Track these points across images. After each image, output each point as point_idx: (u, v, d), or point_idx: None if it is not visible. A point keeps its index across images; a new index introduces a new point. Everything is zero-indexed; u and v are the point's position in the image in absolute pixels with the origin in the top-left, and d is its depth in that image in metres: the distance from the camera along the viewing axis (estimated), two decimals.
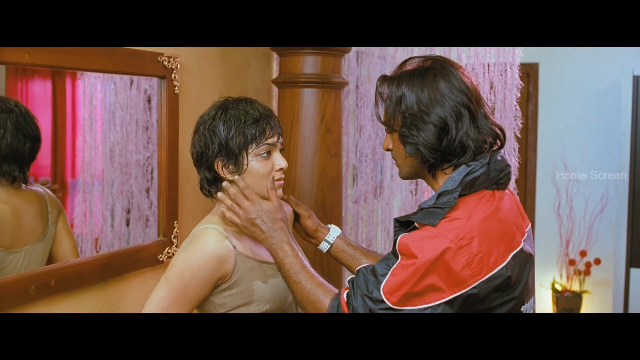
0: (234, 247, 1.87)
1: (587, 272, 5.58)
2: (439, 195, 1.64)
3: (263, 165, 1.89)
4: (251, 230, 1.87)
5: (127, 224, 2.45)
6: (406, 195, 3.09)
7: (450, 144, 1.65)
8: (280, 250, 1.84)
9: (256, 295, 1.88)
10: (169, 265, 1.85)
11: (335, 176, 2.67)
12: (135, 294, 2.31)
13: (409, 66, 1.74)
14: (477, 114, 1.67)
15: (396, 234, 1.72)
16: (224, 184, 1.88)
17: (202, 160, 1.91)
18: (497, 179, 1.66)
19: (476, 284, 1.52)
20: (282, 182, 1.95)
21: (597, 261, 5.55)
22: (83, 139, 2.30)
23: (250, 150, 1.87)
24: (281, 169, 1.92)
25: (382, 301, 1.57)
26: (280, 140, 1.94)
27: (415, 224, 1.66)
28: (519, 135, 2.87)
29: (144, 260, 2.31)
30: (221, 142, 1.87)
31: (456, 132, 1.64)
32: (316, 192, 2.60)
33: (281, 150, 1.96)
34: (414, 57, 1.77)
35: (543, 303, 5.71)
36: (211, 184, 1.94)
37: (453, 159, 1.67)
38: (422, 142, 1.65)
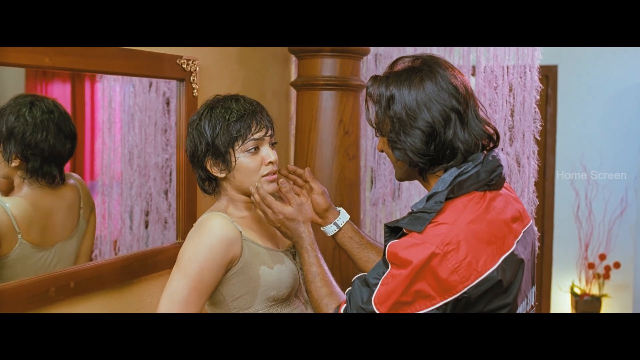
0: (240, 232, 1.89)
1: (606, 276, 5.53)
2: (429, 198, 1.61)
3: (252, 161, 1.90)
4: (282, 231, 1.91)
5: (146, 226, 2.45)
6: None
7: (439, 148, 1.62)
8: (300, 255, 1.87)
9: (263, 280, 1.89)
10: (179, 256, 1.85)
11: (354, 179, 2.66)
12: (154, 296, 2.31)
13: (399, 66, 1.71)
14: (466, 116, 1.63)
15: (386, 241, 1.68)
16: (250, 189, 1.89)
17: (194, 161, 1.94)
18: (487, 180, 1.62)
19: (466, 289, 1.49)
20: (274, 176, 1.94)
21: (617, 265, 5.50)
22: (102, 141, 2.31)
23: (236, 147, 1.88)
24: (270, 162, 1.92)
25: (375, 312, 1.55)
26: (269, 134, 1.93)
27: (404, 230, 1.61)
28: (538, 138, 2.85)
29: (162, 262, 2.31)
30: (208, 141, 1.88)
31: (444, 137, 1.61)
32: (334, 194, 2.60)
33: (274, 144, 1.96)
34: (405, 56, 1.74)
35: (562, 307, 5.67)
36: (206, 182, 1.96)
37: (443, 163, 1.64)
38: (410, 147, 1.63)
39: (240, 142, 1.88)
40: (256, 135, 1.89)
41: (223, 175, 1.91)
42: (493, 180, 1.63)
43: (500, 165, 1.65)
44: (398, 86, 1.65)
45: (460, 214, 1.56)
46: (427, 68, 1.66)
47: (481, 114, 1.69)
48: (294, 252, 2.02)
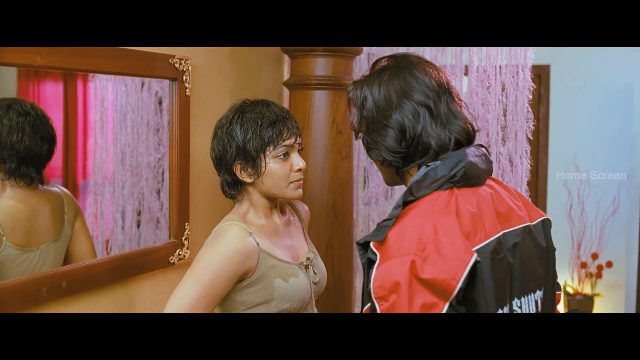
0: (257, 244, 1.90)
1: (598, 275, 5.56)
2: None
3: (281, 167, 1.92)
4: None
5: (138, 226, 2.45)
6: None
7: (409, 144, 1.59)
8: None
9: (277, 293, 1.90)
10: (194, 261, 1.86)
11: (347, 178, 2.66)
12: (146, 295, 2.31)
13: (375, 67, 1.70)
14: (438, 111, 1.60)
15: (361, 257, 1.57)
16: None
17: (222, 164, 1.95)
18: (448, 177, 1.54)
19: (460, 283, 1.39)
20: (301, 182, 1.97)
21: (609, 264, 5.52)
22: (94, 140, 2.30)
23: (267, 153, 1.91)
24: (299, 169, 1.95)
25: None
26: (298, 141, 1.97)
27: (371, 243, 1.51)
28: (531, 138, 2.86)
29: (155, 262, 2.31)
30: (239, 145, 1.90)
31: (414, 132, 1.58)
32: (327, 194, 2.60)
33: (300, 151, 1.99)
34: (383, 57, 1.72)
35: None
36: (232, 186, 1.97)
37: (415, 160, 1.61)
38: (382, 146, 1.61)
39: (271, 148, 1.91)
40: (287, 142, 1.93)
41: (251, 180, 1.93)
42: (456, 176, 1.55)
43: (462, 161, 1.56)
44: (370, 86, 1.65)
45: (425, 214, 1.50)
46: (396, 65, 1.65)
47: (458, 108, 1.65)
48: (308, 264, 2.03)
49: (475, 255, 1.43)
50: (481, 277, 1.45)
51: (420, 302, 1.40)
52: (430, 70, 1.65)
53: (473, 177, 1.59)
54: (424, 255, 1.41)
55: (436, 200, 1.52)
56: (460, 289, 1.40)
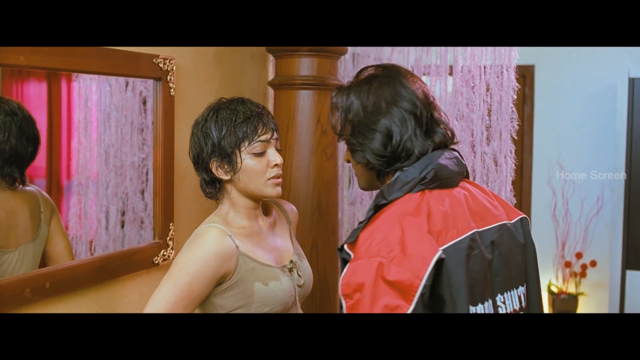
0: (237, 247, 1.89)
1: (583, 274, 5.58)
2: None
3: (257, 163, 1.91)
4: None
5: (122, 226, 2.44)
6: None
7: (395, 149, 1.64)
8: None
9: (257, 297, 1.89)
10: (172, 264, 1.86)
11: (331, 178, 2.66)
12: (131, 296, 2.30)
13: (363, 75, 1.75)
14: (423, 120, 1.66)
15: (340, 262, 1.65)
16: None
17: (199, 162, 1.94)
18: (419, 180, 1.60)
19: (424, 280, 1.43)
20: (279, 179, 1.96)
21: (593, 263, 5.55)
22: (78, 140, 2.29)
23: (243, 149, 1.90)
24: (276, 165, 1.93)
25: None
26: (275, 137, 1.96)
27: (345, 246, 1.59)
28: (515, 137, 2.87)
29: (139, 262, 2.30)
30: (214, 142, 1.90)
31: (400, 138, 1.63)
32: (312, 194, 2.60)
33: (279, 151, 1.97)
34: (369, 66, 1.78)
35: None
36: (210, 185, 1.96)
37: (397, 163, 1.66)
38: (368, 149, 1.66)
39: (246, 144, 1.90)
40: (262, 137, 1.91)
41: (228, 177, 1.92)
42: (426, 178, 1.61)
43: (432, 163, 1.62)
44: (358, 92, 1.70)
45: (395, 216, 1.54)
46: (387, 74, 1.70)
47: (442, 116, 1.72)
48: (291, 267, 2.02)
49: (439, 252, 1.47)
50: (447, 274, 1.48)
51: (383, 303, 1.44)
52: (417, 81, 1.72)
53: (444, 179, 1.64)
54: (390, 257, 1.46)
55: (407, 202, 1.58)
56: (426, 286, 1.44)
